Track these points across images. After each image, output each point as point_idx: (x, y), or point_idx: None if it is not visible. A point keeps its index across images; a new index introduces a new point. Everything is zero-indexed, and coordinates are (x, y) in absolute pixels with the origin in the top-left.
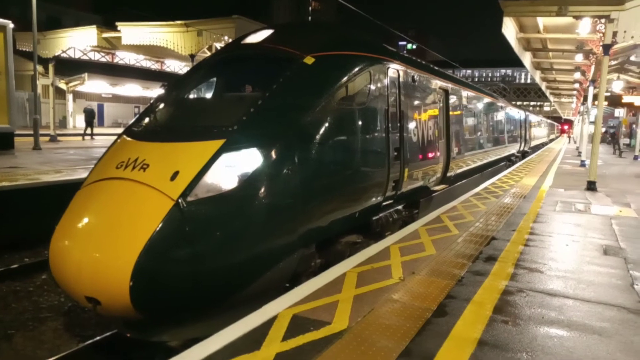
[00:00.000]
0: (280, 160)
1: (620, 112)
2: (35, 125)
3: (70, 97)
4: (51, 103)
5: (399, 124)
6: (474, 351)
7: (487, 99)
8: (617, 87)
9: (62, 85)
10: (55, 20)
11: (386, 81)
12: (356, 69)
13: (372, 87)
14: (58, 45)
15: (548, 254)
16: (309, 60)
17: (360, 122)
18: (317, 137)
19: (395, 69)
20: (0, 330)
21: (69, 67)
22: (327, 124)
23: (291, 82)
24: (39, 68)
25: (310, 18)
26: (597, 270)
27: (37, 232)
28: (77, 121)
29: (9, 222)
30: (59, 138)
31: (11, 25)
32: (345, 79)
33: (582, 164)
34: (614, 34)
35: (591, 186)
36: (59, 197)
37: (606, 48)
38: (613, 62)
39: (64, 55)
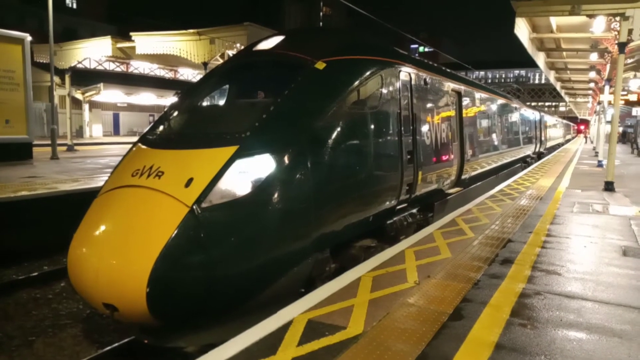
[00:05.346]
0: (293, 166)
1: (638, 111)
2: (52, 135)
3: (86, 107)
4: (68, 113)
5: (411, 127)
6: (491, 355)
7: (501, 100)
8: (635, 85)
9: (78, 95)
10: (72, 31)
11: (398, 84)
12: (367, 73)
13: (384, 90)
14: (74, 56)
15: (566, 256)
16: (320, 65)
17: (372, 126)
18: (330, 142)
19: (407, 72)
20: (22, 336)
21: (85, 78)
22: (339, 129)
23: (303, 87)
24: (56, 79)
25: (321, 23)
26: (616, 272)
27: (56, 240)
28: (94, 131)
29: (28, 231)
30: (75, 147)
31: (29, 38)
32: (356, 83)
33: (599, 164)
34: (630, 31)
35: (609, 186)
36: (76, 205)
37: (622, 46)
38: (629, 60)
39: (79, 65)
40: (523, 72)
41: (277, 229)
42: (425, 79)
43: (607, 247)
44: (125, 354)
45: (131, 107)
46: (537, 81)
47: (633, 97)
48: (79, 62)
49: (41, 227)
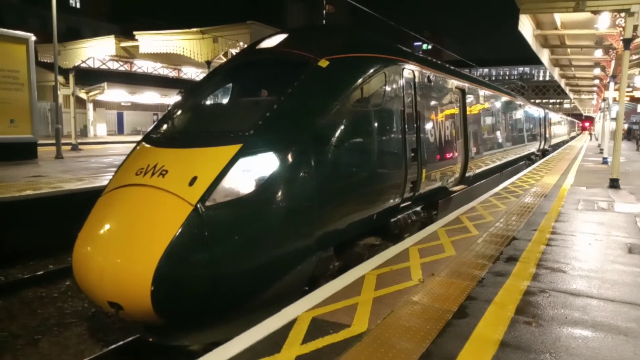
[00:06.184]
0: (296, 164)
1: None
2: (57, 135)
3: (90, 106)
4: (72, 112)
5: (415, 125)
6: (495, 352)
7: (505, 98)
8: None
9: (82, 94)
10: (75, 31)
11: (401, 82)
12: (371, 71)
13: (388, 88)
14: (78, 55)
15: (571, 254)
16: (324, 63)
17: (376, 124)
18: (333, 140)
19: (410, 70)
20: (27, 335)
21: (89, 77)
22: (342, 127)
23: (306, 85)
24: (60, 78)
25: (324, 21)
26: (621, 269)
27: (61, 239)
28: (98, 130)
29: (33, 230)
30: (80, 147)
31: (33, 38)
32: (360, 81)
33: (604, 162)
34: (635, 27)
35: (614, 184)
36: (81, 204)
37: (627, 42)
38: (634, 57)
39: (83, 65)
40: (527, 69)
41: (280, 227)
42: (428, 77)
43: (612, 244)
44: (130, 352)
45: (135, 106)
46: (541, 78)
47: (638, 94)
48: (83, 62)
49: (46, 226)
